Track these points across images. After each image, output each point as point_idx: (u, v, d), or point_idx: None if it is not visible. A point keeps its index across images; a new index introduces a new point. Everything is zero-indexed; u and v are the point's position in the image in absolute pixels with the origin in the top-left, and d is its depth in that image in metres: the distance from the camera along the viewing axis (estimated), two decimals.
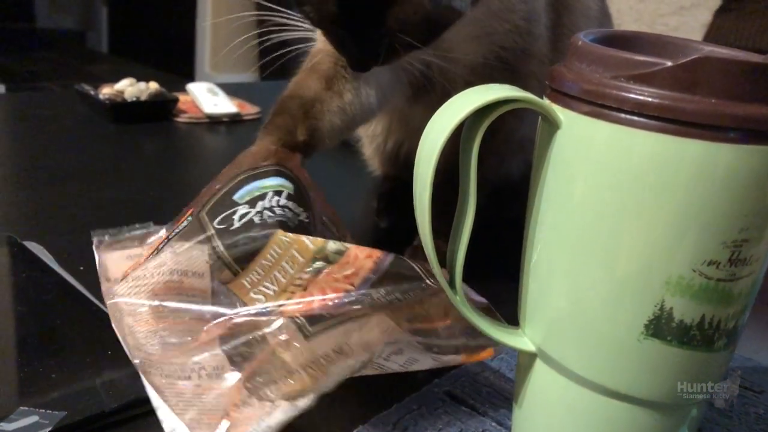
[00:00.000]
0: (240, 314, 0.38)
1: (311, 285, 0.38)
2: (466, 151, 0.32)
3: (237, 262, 0.39)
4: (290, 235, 0.39)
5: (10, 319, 0.44)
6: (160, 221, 0.51)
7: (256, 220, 0.40)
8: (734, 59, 0.27)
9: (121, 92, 0.93)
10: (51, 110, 0.98)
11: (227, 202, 0.41)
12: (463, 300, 0.34)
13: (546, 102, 0.31)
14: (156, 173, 0.78)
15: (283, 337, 0.34)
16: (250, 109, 1.03)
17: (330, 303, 0.37)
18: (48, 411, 0.34)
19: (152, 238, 0.46)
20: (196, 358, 0.35)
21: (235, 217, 0.40)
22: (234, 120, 0.99)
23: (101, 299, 0.45)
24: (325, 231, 0.43)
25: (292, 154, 0.48)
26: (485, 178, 0.58)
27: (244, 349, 0.35)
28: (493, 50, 0.56)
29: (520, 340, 0.34)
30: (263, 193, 0.41)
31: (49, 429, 0.33)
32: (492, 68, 0.56)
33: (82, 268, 0.51)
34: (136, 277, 0.40)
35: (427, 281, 0.38)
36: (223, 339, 0.36)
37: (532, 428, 0.35)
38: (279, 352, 0.34)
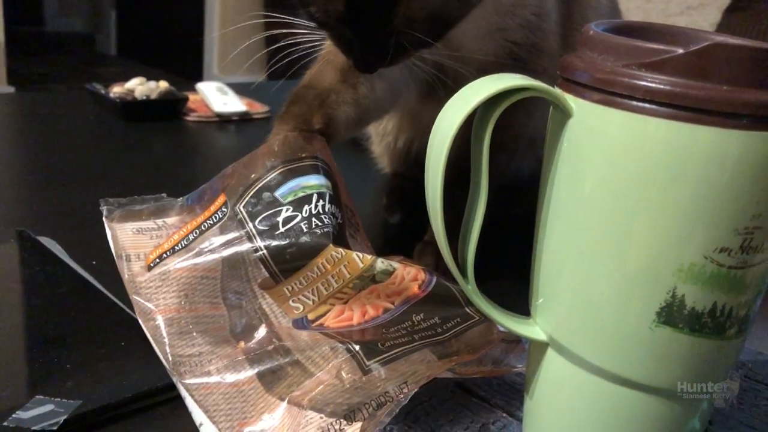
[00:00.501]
0: (273, 328, 0.38)
1: (352, 300, 0.38)
2: (477, 141, 0.32)
3: (282, 273, 0.39)
4: (341, 250, 0.39)
5: (25, 312, 0.45)
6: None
7: (304, 227, 0.39)
8: (745, 45, 0.27)
9: (132, 91, 0.94)
10: (62, 109, 0.99)
11: (267, 199, 0.40)
12: (475, 290, 0.34)
13: (557, 91, 0.31)
14: (166, 171, 0.78)
15: (344, 373, 0.34)
16: (259, 108, 1.03)
17: (370, 321, 0.37)
18: (63, 400, 0.35)
19: (171, 218, 0.44)
20: (228, 377, 0.35)
21: (280, 219, 0.39)
22: (243, 119, 1.00)
23: (114, 292, 0.45)
24: (350, 223, 0.43)
25: (316, 136, 0.47)
26: (494, 175, 0.59)
27: (280, 372, 0.35)
28: (504, 46, 0.56)
29: (532, 329, 0.35)
30: (308, 195, 0.40)
31: (65, 417, 0.34)
32: (503, 66, 0.56)
33: (94, 262, 0.51)
34: (164, 275, 0.39)
35: (467, 308, 0.39)
36: (255, 360, 0.36)
37: (543, 418, 0.36)
38: (335, 380, 0.34)
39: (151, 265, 0.39)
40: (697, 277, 0.29)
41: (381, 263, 0.39)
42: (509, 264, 0.44)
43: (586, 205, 0.31)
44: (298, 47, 0.55)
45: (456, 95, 0.32)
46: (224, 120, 0.98)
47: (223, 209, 0.40)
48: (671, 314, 0.30)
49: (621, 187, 0.29)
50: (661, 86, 0.27)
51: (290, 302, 0.38)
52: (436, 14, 0.46)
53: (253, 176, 0.41)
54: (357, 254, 0.38)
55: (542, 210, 0.34)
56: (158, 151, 0.88)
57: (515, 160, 0.65)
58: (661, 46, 0.28)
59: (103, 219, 0.42)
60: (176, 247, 0.40)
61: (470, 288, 0.34)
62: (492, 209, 0.57)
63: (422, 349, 0.36)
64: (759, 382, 0.45)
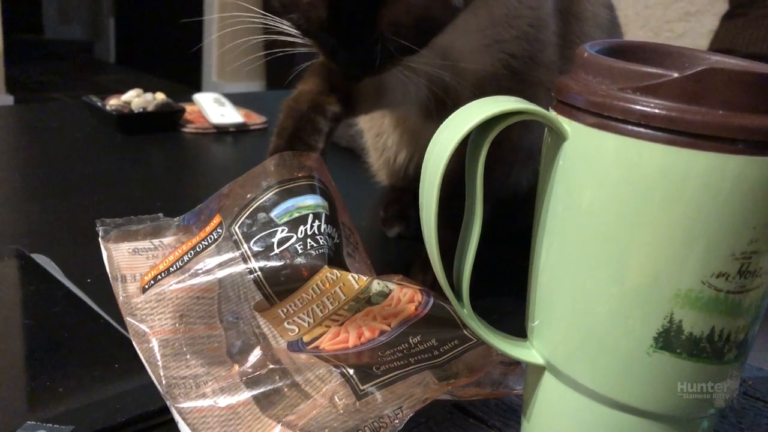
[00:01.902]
0: (270, 349, 0.37)
1: (348, 322, 0.38)
2: (471, 164, 0.32)
3: (276, 295, 0.38)
4: (336, 272, 0.38)
5: (18, 332, 0.44)
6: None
7: (299, 248, 0.39)
8: (741, 70, 0.27)
9: (128, 103, 0.94)
10: (58, 122, 0.98)
11: (262, 219, 0.40)
12: (470, 313, 0.33)
13: (552, 114, 0.31)
14: (163, 184, 0.78)
15: (338, 398, 0.34)
16: (256, 119, 1.03)
17: (366, 343, 0.37)
18: (56, 425, 0.34)
19: (168, 238, 0.44)
20: (223, 400, 0.35)
21: (275, 240, 0.39)
22: (241, 130, 0.99)
23: (109, 312, 0.45)
24: (348, 242, 0.43)
25: (312, 154, 0.46)
26: (492, 189, 0.58)
27: (274, 396, 0.35)
28: (501, 58, 0.56)
29: (529, 352, 0.34)
30: (303, 216, 0.40)
31: None
32: (500, 78, 0.56)
33: (89, 280, 0.51)
34: (160, 296, 0.39)
35: (464, 330, 0.38)
36: (252, 382, 0.36)
37: None
38: (329, 405, 0.34)
39: (146, 286, 0.39)
40: (695, 302, 0.29)
41: (377, 285, 0.38)
42: (507, 280, 0.44)
43: (581, 228, 0.30)
44: (296, 56, 0.55)
45: (450, 118, 0.31)
46: (221, 131, 0.97)
47: (219, 230, 0.40)
48: (669, 339, 0.29)
49: (616, 210, 0.29)
50: (657, 111, 0.27)
51: (285, 324, 0.38)
52: (421, 19, 0.45)
53: (248, 196, 0.41)
54: (352, 276, 0.38)
55: (538, 231, 0.33)
56: (155, 164, 0.88)
57: (513, 173, 0.65)
58: (657, 70, 0.28)
59: (99, 240, 0.42)
60: (171, 269, 0.39)
61: (465, 312, 0.33)
62: (491, 223, 0.57)
63: (420, 372, 0.35)
64: (759, 399, 0.45)
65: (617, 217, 0.29)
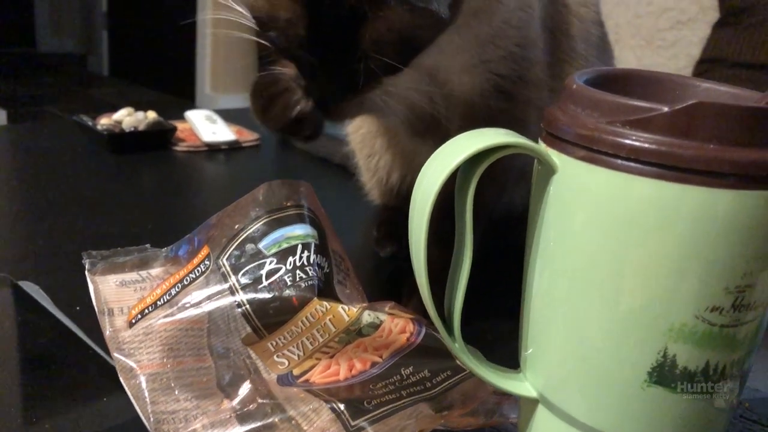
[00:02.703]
0: (262, 382, 0.37)
1: (339, 354, 0.37)
2: (461, 198, 0.31)
3: (265, 328, 0.38)
4: (326, 303, 0.38)
5: (4, 366, 0.44)
6: (157, 247, 0.50)
7: (288, 280, 0.38)
8: (730, 104, 0.27)
9: (119, 122, 0.93)
10: (49, 141, 0.98)
11: (251, 251, 0.39)
12: (462, 348, 0.33)
13: (541, 146, 0.31)
14: (155, 205, 0.78)
15: None
16: (248, 136, 1.02)
17: (357, 375, 0.36)
18: None
19: (155, 269, 0.44)
20: None
21: (263, 272, 0.38)
22: (233, 147, 0.99)
23: (98, 342, 0.44)
24: (338, 269, 0.42)
25: (301, 182, 0.46)
26: (485, 209, 0.58)
27: (270, 430, 0.34)
28: (488, 78, 0.55)
29: (522, 385, 0.34)
30: (292, 246, 0.39)
31: None
32: (489, 98, 0.56)
33: (78, 308, 0.50)
34: (148, 330, 0.38)
35: (457, 360, 0.38)
36: (243, 417, 0.35)
37: None
38: None
39: (133, 321, 0.39)
40: (689, 336, 0.28)
41: (368, 316, 0.38)
42: (502, 300, 0.43)
43: (572, 258, 0.30)
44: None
45: (438, 151, 0.31)
46: (213, 149, 0.97)
47: (206, 262, 0.39)
48: (663, 374, 0.29)
49: (606, 243, 0.29)
50: (646, 145, 0.27)
51: (275, 357, 0.37)
52: (405, 35, 0.44)
53: (236, 227, 0.40)
54: (342, 307, 0.38)
55: (530, 259, 0.33)
56: (147, 185, 0.87)
57: (506, 192, 0.64)
58: (646, 104, 0.27)
59: (86, 273, 0.42)
60: (159, 302, 0.39)
61: (457, 346, 0.33)
62: (484, 243, 0.56)
63: (413, 405, 0.35)
64: (756, 422, 0.44)
65: (608, 249, 0.29)
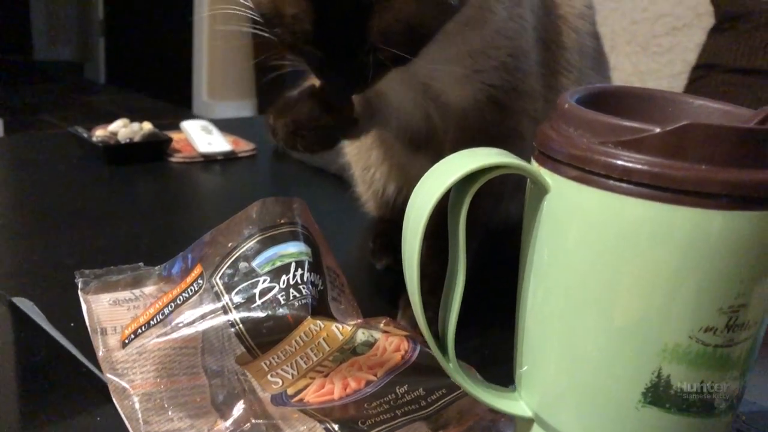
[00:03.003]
0: (257, 401, 0.36)
1: (333, 373, 0.37)
2: (454, 217, 0.31)
3: (259, 347, 0.37)
4: (320, 322, 0.38)
5: None
6: (155, 263, 0.49)
7: (281, 299, 0.38)
8: (721, 125, 0.27)
9: (115, 134, 0.93)
10: (44, 154, 0.97)
11: (244, 269, 0.39)
12: (456, 368, 0.33)
13: (533, 167, 0.31)
14: (150, 217, 0.77)
15: None
16: (244, 146, 1.02)
17: (352, 394, 0.36)
18: None
19: (149, 287, 0.44)
20: None
21: (257, 291, 0.38)
22: (229, 158, 0.99)
23: (92, 360, 0.44)
24: (333, 286, 0.42)
25: (295, 199, 0.46)
26: (482, 219, 0.58)
27: None
28: (482, 89, 0.55)
29: (517, 405, 0.34)
30: (286, 264, 0.39)
31: None
32: (483, 109, 0.56)
33: (72, 324, 0.50)
34: (141, 351, 0.38)
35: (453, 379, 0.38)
36: None
37: None
38: None
39: (126, 341, 0.38)
40: (683, 357, 0.28)
41: (362, 334, 0.38)
42: (499, 314, 0.43)
43: (566, 276, 0.30)
44: (286, 74, 0.53)
45: (431, 171, 0.31)
46: (209, 160, 0.97)
47: (199, 281, 0.39)
48: (657, 394, 0.29)
49: (599, 263, 0.29)
50: (638, 166, 0.27)
51: (268, 377, 0.37)
52: (412, 25, 0.44)
53: (229, 245, 0.40)
54: (336, 326, 0.38)
55: (524, 276, 0.33)
56: (143, 197, 0.87)
57: (503, 203, 0.64)
58: (638, 125, 0.27)
59: (79, 292, 0.41)
60: (152, 322, 0.39)
61: (451, 366, 0.33)
62: (482, 253, 0.56)
63: (408, 424, 0.35)
64: None
65: (601, 269, 0.29)
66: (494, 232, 0.61)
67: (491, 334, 0.50)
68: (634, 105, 0.34)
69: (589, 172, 0.28)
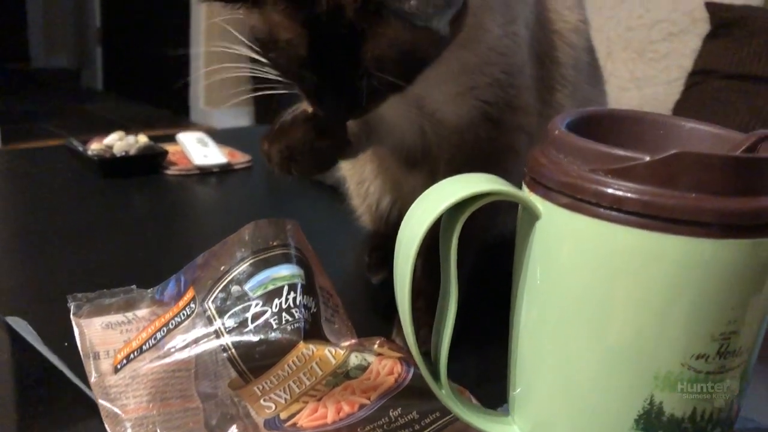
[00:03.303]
0: (251, 425, 0.36)
1: (326, 397, 0.37)
2: (445, 243, 0.31)
3: (251, 371, 0.37)
4: (312, 347, 0.37)
5: None
6: (149, 282, 0.49)
7: (274, 323, 0.38)
8: (711, 154, 0.27)
9: (110, 147, 0.93)
10: (40, 168, 0.97)
11: (236, 293, 0.39)
12: (448, 393, 0.33)
13: (524, 193, 0.31)
14: (146, 232, 0.77)
15: None
16: (240, 158, 1.02)
17: (345, 418, 0.36)
18: None
19: (141, 310, 0.44)
20: None
21: (249, 315, 0.38)
22: (224, 170, 0.99)
23: (85, 382, 0.44)
24: (326, 307, 0.42)
25: (288, 221, 0.45)
26: (478, 233, 0.58)
27: None
28: (476, 105, 0.55)
29: (510, 429, 0.34)
30: (278, 288, 0.39)
31: None
32: (478, 126, 0.56)
33: (66, 344, 0.50)
34: (134, 375, 0.38)
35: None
36: None
37: None
38: None
39: (118, 366, 0.38)
40: (674, 384, 0.28)
41: (355, 358, 0.38)
42: (495, 330, 0.43)
43: (557, 309, 0.30)
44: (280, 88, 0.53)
45: (422, 197, 0.31)
46: (205, 172, 0.97)
47: (192, 305, 0.39)
48: (650, 422, 0.29)
49: (591, 290, 0.29)
50: (629, 194, 0.27)
51: (261, 401, 0.37)
52: (407, 52, 0.44)
53: (222, 268, 0.40)
54: (329, 350, 0.37)
55: (516, 299, 0.33)
56: (138, 211, 0.87)
57: (500, 215, 0.64)
58: (627, 153, 0.27)
59: (71, 316, 0.41)
60: (144, 347, 0.38)
61: (443, 392, 0.33)
62: (479, 266, 0.56)
63: None
64: None
65: (592, 295, 0.29)
66: (491, 245, 0.61)
67: (488, 350, 0.50)
68: (626, 128, 0.34)
69: (579, 199, 0.28)
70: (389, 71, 0.43)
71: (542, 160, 0.30)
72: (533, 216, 0.30)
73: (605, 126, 0.33)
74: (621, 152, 0.27)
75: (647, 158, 0.27)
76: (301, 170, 0.53)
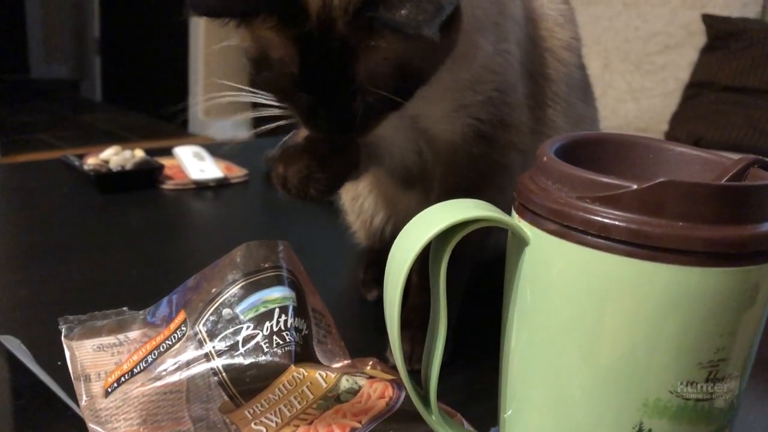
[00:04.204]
0: None
1: (317, 420, 0.37)
2: (434, 270, 0.31)
3: (242, 395, 0.37)
4: (303, 370, 0.37)
5: None
6: (143, 301, 0.49)
7: (265, 346, 0.37)
8: (696, 182, 0.27)
9: (106, 162, 0.93)
10: (36, 183, 0.97)
11: (227, 316, 0.39)
12: (438, 419, 0.33)
13: (514, 219, 0.31)
14: (141, 248, 0.77)
15: None
16: (237, 172, 1.02)
17: None
18: None
19: (133, 332, 0.43)
20: None
21: (240, 338, 0.38)
22: (221, 184, 0.99)
23: (77, 401, 0.43)
24: (318, 328, 0.42)
25: (280, 242, 0.44)
26: (471, 253, 0.58)
27: None
28: (470, 124, 0.55)
29: None
30: (269, 310, 0.39)
31: None
32: (470, 143, 0.56)
33: (59, 363, 0.49)
34: (125, 398, 0.38)
35: None
36: None
37: None
38: None
39: (109, 390, 0.38)
40: (663, 411, 0.28)
41: (346, 381, 0.38)
42: (488, 342, 0.43)
43: (546, 335, 0.30)
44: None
45: (410, 224, 0.31)
46: (201, 186, 0.97)
47: (183, 328, 0.39)
48: None
49: (580, 317, 0.29)
50: (616, 222, 0.27)
51: (252, 425, 0.37)
52: (402, 66, 0.43)
53: (213, 291, 0.40)
54: (320, 373, 0.37)
55: (506, 323, 0.33)
56: (134, 226, 0.87)
57: (492, 236, 0.64)
58: (615, 181, 0.27)
59: (62, 339, 0.41)
60: (135, 370, 0.38)
61: (433, 418, 0.33)
62: (472, 284, 0.56)
63: None
64: None
65: (581, 321, 0.29)
66: (485, 261, 0.61)
67: (481, 368, 0.50)
68: (615, 152, 0.34)
69: (567, 226, 0.28)
70: (384, 87, 0.42)
71: (531, 186, 0.30)
72: (522, 241, 0.30)
73: (595, 150, 0.33)
74: (608, 180, 0.27)
75: (634, 186, 0.27)
76: (319, 189, 0.52)
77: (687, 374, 0.28)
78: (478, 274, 0.59)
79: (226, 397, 0.37)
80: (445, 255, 0.30)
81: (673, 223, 0.26)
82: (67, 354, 0.41)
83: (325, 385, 0.37)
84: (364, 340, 0.57)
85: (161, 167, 0.95)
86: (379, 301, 0.65)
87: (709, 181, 0.30)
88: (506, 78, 0.56)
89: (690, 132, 1.90)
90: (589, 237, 0.27)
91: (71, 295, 0.63)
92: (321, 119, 0.44)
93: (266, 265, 0.40)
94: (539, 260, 0.30)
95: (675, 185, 0.26)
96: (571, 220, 0.28)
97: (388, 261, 0.31)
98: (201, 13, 0.42)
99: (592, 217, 0.27)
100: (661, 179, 0.26)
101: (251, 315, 0.38)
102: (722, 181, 0.29)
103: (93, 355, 0.40)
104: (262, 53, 0.44)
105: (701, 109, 1.96)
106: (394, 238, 0.32)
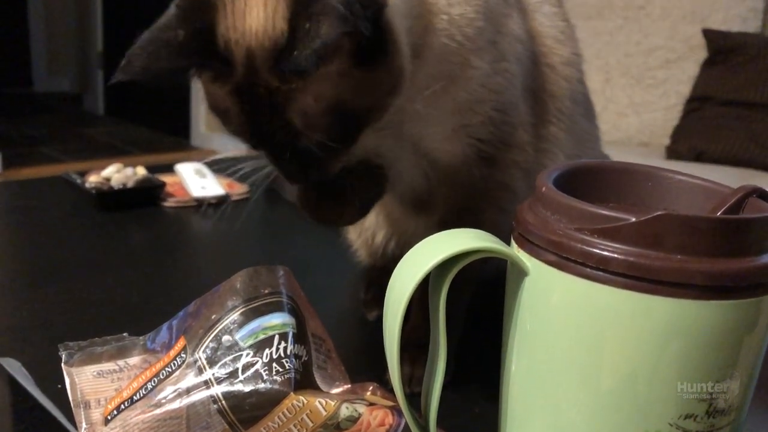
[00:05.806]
0: None
1: None
2: (434, 300, 0.31)
3: (241, 423, 0.37)
4: (303, 398, 0.37)
5: None
6: (143, 324, 0.49)
7: (264, 374, 0.37)
8: (694, 216, 0.27)
9: (108, 179, 0.93)
10: (37, 200, 0.98)
11: (227, 343, 0.39)
12: None
13: (513, 249, 0.31)
14: (143, 267, 0.77)
15: None
16: (238, 189, 1.02)
17: None
18: None
19: (133, 358, 0.43)
20: None
21: (239, 365, 0.38)
22: (222, 201, 0.99)
23: (77, 429, 0.43)
24: (318, 354, 0.42)
25: (280, 268, 0.44)
26: (472, 276, 0.58)
27: None
28: (470, 143, 0.55)
29: None
30: (269, 337, 0.39)
31: None
32: (472, 165, 0.56)
33: (60, 386, 0.49)
34: (124, 425, 0.37)
35: None
36: None
37: None
38: None
39: (109, 417, 0.38)
40: None
41: (345, 409, 0.38)
42: (491, 368, 0.43)
43: (545, 366, 0.30)
44: None
45: (411, 252, 0.31)
46: (202, 204, 0.97)
47: (182, 355, 0.39)
48: None
49: (579, 347, 0.29)
50: (615, 255, 0.27)
51: None
52: (334, 105, 0.42)
53: (213, 317, 0.40)
54: (320, 401, 0.37)
55: (506, 351, 0.33)
56: (136, 244, 0.87)
57: (492, 259, 0.64)
58: (613, 213, 0.27)
59: (62, 365, 0.41)
60: (135, 397, 0.38)
61: None
62: (474, 305, 0.56)
63: None
64: None
65: (579, 352, 0.29)
66: (486, 281, 0.61)
67: (481, 392, 0.50)
68: (614, 180, 0.34)
69: (566, 258, 0.28)
70: (319, 129, 0.41)
71: (529, 217, 0.30)
72: (521, 272, 0.30)
73: (594, 178, 0.33)
74: (607, 212, 0.28)
75: (633, 219, 0.27)
76: (354, 214, 0.54)
77: (687, 407, 0.28)
78: (478, 296, 0.58)
79: (225, 425, 0.37)
80: (445, 285, 0.31)
81: (672, 256, 0.26)
82: (67, 381, 0.41)
83: (324, 413, 0.37)
84: (365, 361, 0.57)
85: (163, 185, 0.96)
86: (381, 321, 0.66)
87: (708, 211, 0.30)
88: (506, 97, 0.56)
89: (691, 146, 1.90)
90: (588, 269, 0.27)
91: (72, 317, 0.63)
92: (283, 166, 0.44)
93: (266, 291, 0.40)
94: (538, 290, 0.30)
95: (673, 218, 0.26)
96: (570, 251, 0.28)
97: (387, 290, 0.32)
98: (130, 77, 0.42)
99: (591, 249, 0.27)
100: (659, 212, 0.26)
101: (251, 342, 0.38)
102: (719, 212, 0.29)
103: (93, 382, 0.40)
104: (214, 105, 0.44)
105: (702, 123, 1.96)
106: (396, 255, 0.32)
